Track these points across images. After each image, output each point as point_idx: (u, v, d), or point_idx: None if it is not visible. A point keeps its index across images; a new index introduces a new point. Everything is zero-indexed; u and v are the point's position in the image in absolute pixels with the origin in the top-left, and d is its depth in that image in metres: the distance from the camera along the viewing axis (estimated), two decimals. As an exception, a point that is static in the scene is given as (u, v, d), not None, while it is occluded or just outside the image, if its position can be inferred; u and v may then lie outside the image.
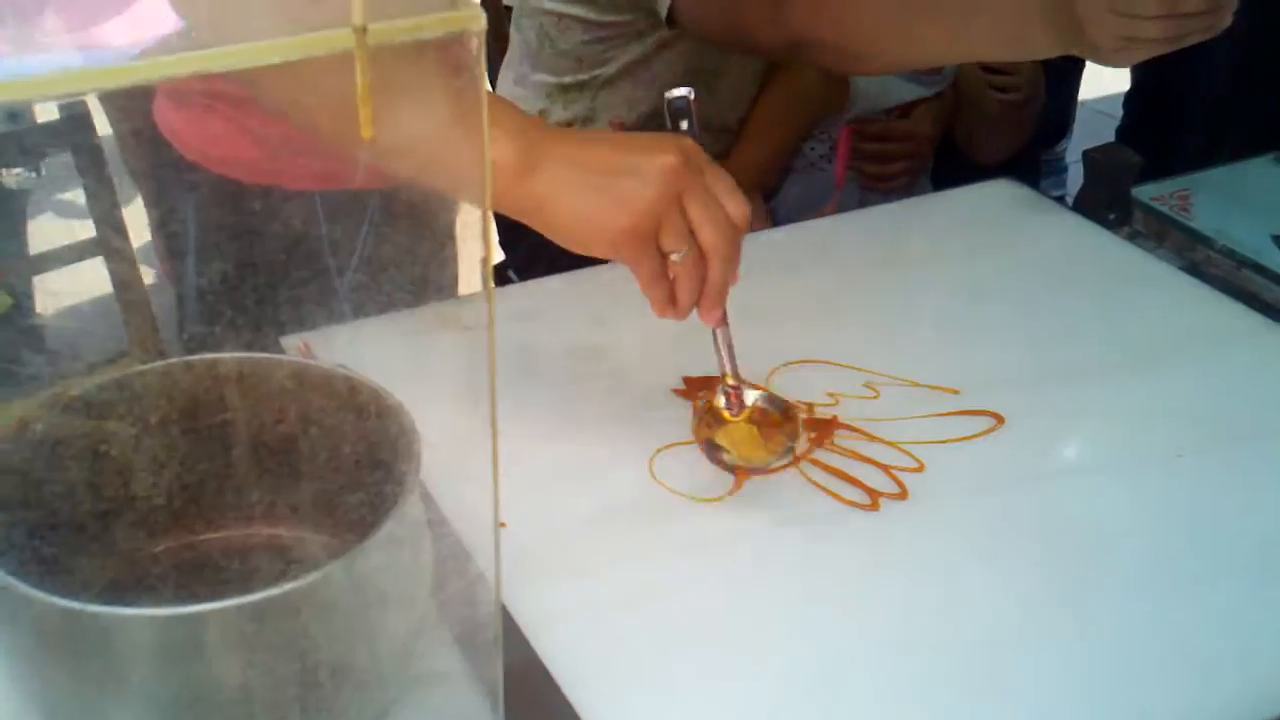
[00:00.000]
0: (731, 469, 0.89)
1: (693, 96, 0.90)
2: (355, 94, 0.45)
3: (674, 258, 0.81)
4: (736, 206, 0.83)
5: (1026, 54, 0.97)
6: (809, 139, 1.62)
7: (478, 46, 0.48)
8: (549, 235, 0.82)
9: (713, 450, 0.90)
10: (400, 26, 0.46)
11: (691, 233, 0.81)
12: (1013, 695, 0.73)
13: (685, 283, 0.82)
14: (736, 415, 0.92)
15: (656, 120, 1.32)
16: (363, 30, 0.44)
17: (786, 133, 1.57)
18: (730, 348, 0.90)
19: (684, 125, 0.89)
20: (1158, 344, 1.06)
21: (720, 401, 0.92)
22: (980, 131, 1.70)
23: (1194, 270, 1.17)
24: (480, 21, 0.47)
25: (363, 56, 0.45)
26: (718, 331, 0.89)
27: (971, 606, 0.79)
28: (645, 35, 1.39)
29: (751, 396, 0.92)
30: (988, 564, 0.82)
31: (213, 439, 0.67)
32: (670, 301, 0.84)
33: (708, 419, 0.92)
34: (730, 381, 0.91)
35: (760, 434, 0.91)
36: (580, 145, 0.82)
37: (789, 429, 0.92)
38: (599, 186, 0.80)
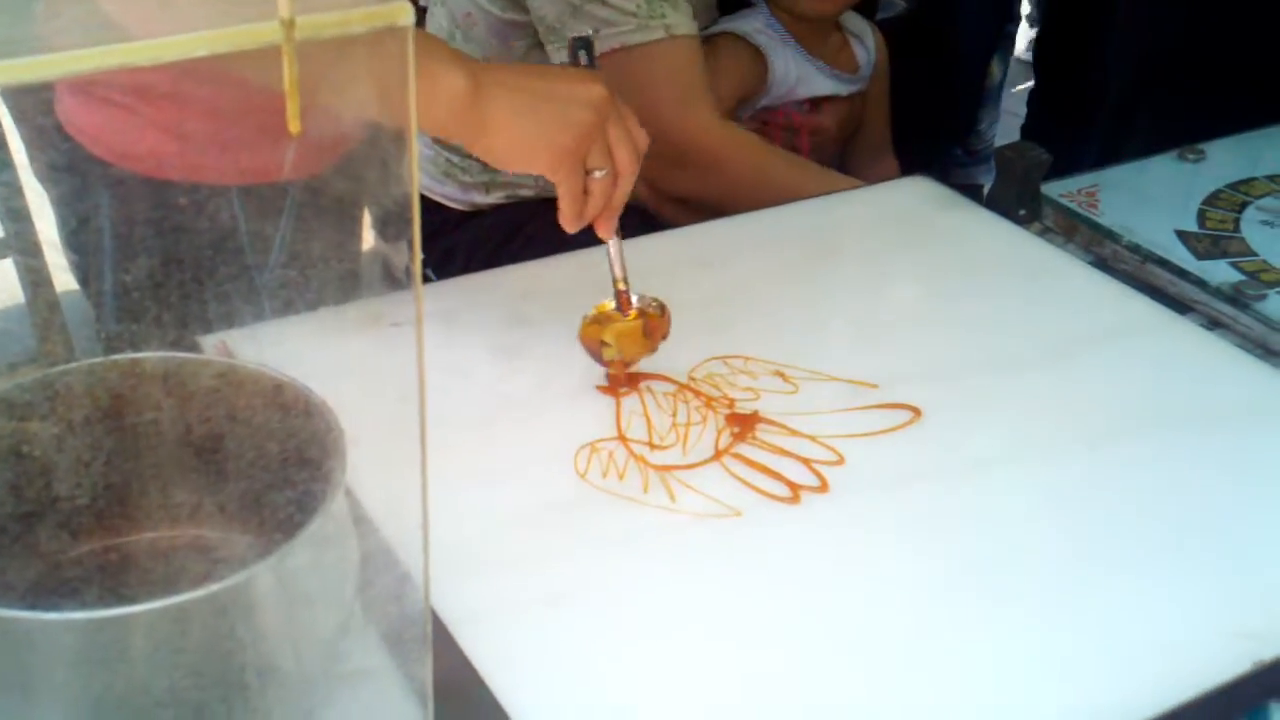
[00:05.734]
0: (610, 363, 0.99)
1: (592, 34, 1.03)
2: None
3: (596, 174, 0.93)
4: (641, 136, 0.96)
5: None
6: None
7: (406, 40, 0.48)
8: (489, 157, 0.91)
9: (597, 349, 0.99)
10: (327, 20, 0.46)
11: (609, 154, 0.93)
12: (932, 686, 0.74)
13: (598, 198, 0.94)
14: (627, 315, 1.00)
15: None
16: (290, 24, 0.44)
17: None
18: (621, 255, 1.00)
19: (583, 60, 1.00)
20: (1068, 337, 1.08)
21: (610, 305, 1.00)
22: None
23: (1102, 265, 1.20)
24: (408, 15, 0.47)
25: (290, 50, 0.45)
26: (610, 243, 0.99)
27: (892, 597, 0.80)
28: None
29: (635, 298, 1.01)
30: (907, 554, 0.83)
31: (137, 439, 0.66)
32: (580, 216, 0.95)
33: (597, 320, 1.00)
34: (621, 285, 1.00)
35: (643, 331, 1.00)
36: (519, 74, 0.92)
37: (664, 326, 1.01)
38: (544, 110, 0.90)
